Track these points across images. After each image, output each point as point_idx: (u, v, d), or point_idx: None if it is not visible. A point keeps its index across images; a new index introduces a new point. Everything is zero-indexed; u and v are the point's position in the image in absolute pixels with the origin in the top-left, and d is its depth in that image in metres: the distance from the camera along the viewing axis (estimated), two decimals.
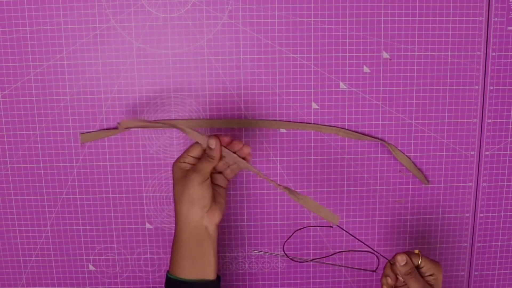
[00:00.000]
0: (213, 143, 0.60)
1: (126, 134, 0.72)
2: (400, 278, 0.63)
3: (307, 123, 0.73)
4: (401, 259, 0.61)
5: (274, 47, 0.70)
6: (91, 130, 0.71)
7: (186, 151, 0.62)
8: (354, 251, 0.77)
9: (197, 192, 0.60)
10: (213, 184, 0.63)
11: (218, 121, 0.72)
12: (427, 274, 0.62)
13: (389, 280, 0.63)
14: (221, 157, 0.62)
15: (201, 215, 0.61)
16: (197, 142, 0.62)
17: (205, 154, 0.61)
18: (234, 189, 0.74)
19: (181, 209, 0.61)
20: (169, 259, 0.65)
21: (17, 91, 0.70)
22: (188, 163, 0.62)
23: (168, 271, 0.63)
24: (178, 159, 0.62)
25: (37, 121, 0.71)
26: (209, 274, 0.62)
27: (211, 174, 0.63)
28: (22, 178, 0.72)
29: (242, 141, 0.63)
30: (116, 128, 0.71)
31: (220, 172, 0.64)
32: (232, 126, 0.72)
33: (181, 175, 0.61)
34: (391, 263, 0.62)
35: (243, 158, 0.62)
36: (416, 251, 0.63)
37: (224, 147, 0.61)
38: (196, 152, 0.62)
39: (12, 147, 0.71)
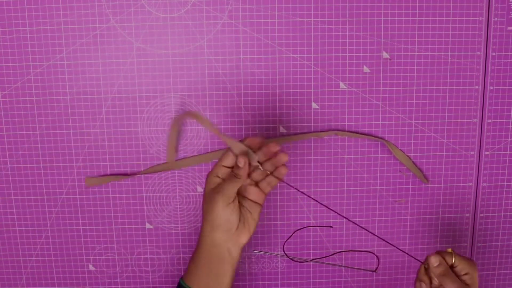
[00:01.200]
0: (242, 162, 0.56)
1: (126, 134, 0.72)
2: (435, 282, 0.59)
3: (306, 132, 0.72)
4: (435, 260, 0.58)
5: (274, 47, 0.70)
6: (96, 176, 0.71)
7: (220, 161, 0.58)
8: (354, 251, 0.77)
9: (221, 216, 0.56)
10: (248, 199, 0.60)
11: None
12: (462, 273, 0.59)
13: (424, 286, 0.60)
14: (249, 176, 0.58)
15: (225, 239, 0.58)
16: (228, 149, 0.58)
17: (231, 173, 0.58)
18: None
19: (205, 228, 0.58)
20: (187, 264, 0.62)
21: (17, 91, 0.70)
22: (220, 177, 0.58)
23: (182, 277, 0.62)
24: (212, 171, 0.58)
25: (37, 121, 0.71)
26: None
27: (246, 187, 0.59)
28: (22, 178, 0.72)
29: (278, 146, 0.57)
30: (122, 174, 0.71)
31: (256, 185, 0.60)
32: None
33: (210, 190, 0.58)
34: (425, 267, 0.59)
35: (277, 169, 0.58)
36: (449, 250, 0.60)
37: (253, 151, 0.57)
38: (229, 161, 0.58)
39: (12, 147, 0.71)
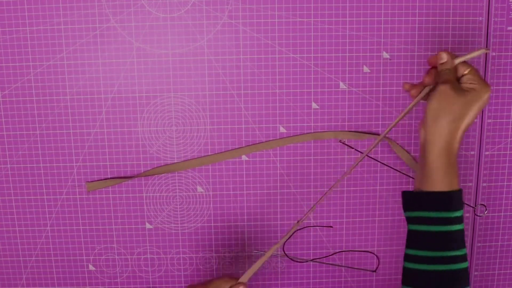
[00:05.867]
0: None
1: (126, 134, 0.72)
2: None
3: (306, 133, 0.72)
4: (441, 57, 0.58)
5: (274, 47, 0.70)
6: (96, 179, 0.71)
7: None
8: (354, 251, 0.77)
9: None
10: None
11: (218, 155, 0.72)
12: (468, 82, 0.58)
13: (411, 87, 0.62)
14: None
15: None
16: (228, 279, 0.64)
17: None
18: (234, 189, 0.74)
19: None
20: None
21: (17, 91, 0.70)
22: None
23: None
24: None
25: (37, 121, 0.71)
26: None
27: None
28: (22, 178, 0.72)
29: None
30: (122, 177, 0.71)
31: None
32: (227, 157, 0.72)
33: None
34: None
35: None
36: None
37: None
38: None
39: (12, 147, 0.71)
